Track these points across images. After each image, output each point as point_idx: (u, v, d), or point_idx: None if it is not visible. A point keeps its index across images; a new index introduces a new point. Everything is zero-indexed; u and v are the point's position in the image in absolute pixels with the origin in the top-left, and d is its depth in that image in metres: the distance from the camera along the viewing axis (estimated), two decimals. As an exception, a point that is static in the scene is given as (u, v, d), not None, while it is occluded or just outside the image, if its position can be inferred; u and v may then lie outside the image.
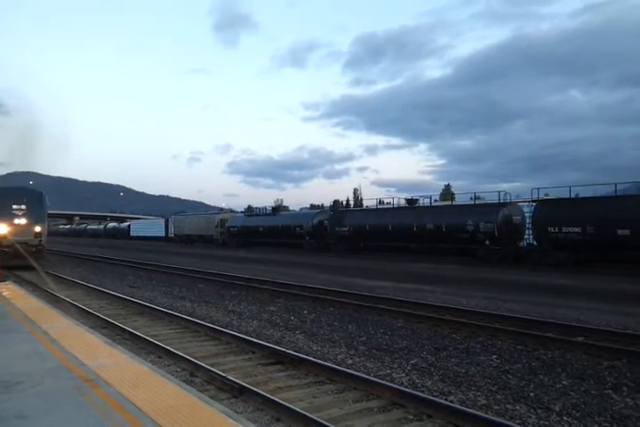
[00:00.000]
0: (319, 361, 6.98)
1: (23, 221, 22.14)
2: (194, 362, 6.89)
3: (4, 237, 21.41)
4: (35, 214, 22.71)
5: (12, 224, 21.84)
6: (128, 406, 4.25)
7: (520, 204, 27.33)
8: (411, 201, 32.73)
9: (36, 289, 15.57)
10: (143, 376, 5.21)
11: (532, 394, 5.93)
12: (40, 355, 6.05)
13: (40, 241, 22.41)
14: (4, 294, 11.95)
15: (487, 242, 25.72)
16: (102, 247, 49.70)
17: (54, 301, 12.99)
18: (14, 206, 22.20)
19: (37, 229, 22.41)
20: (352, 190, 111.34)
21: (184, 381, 5.90)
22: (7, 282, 14.54)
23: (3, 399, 4.43)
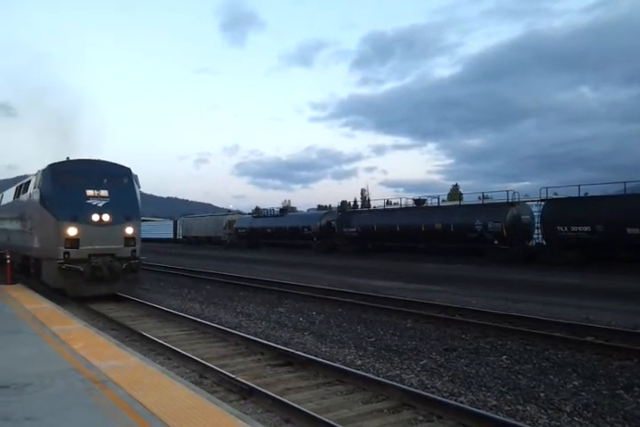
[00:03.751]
0: (328, 362, 6.96)
1: (106, 216, 13.19)
2: (203, 363, 6.89)
3: (74, 242, 12.83)
4: (124, 206, 13.72)
5: (87, 223, 12.96)
6: (138, 407, 4.26)
7: (529, 203, 27.19)
8: (418, 201, 32.67)
9: (45, 291, 15.66)
10: (153, 378, 5.22)
11: (542, 395, 5.88)
12: (49, 357, 6.08)
13: (134, 251, 13.67)
14: (14, 295, 12.03)
15: (496, 242, 25.60)
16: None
17: (62, 302, 13.06)
18: (89, 193, 13.30)
19: (129, 230, 13.60)
20: (360, 191, 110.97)
21: (193, 382, 5.91)
22: (17, 284, 14.64)
23: (13, 401, 4.46)
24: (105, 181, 13.82)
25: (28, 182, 15.34)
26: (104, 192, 13.45)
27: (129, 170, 14.69)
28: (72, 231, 12.75)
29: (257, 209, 53.51)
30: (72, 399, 4.48)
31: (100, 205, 13.25)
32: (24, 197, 15.56)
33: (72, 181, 13.44)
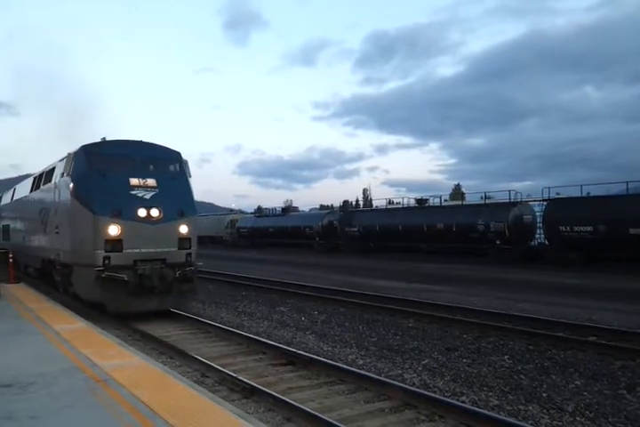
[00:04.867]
0: (330, 362, 6.97)
1: (155, 212, 10.49)
2: (205, 363, 6.91)
3: (116, 244, 10.14)
4: (176, 198, 11.10)
5: (131, 219, 10.25)
6: (140, 406, 4.27)
7: (531, 203, 27.15)
8: (420, 201, 32.63)
9: (48, 291, 15.69)
10: (155, 377, 5.23)
11: (544, 394, 5.88)
12: (52, 356, 6.10)
13: (189, 256, 11.02)
14: (17, 295, 12.07)
15: (498, 241, 25.56)
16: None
17: (65, 302, 13.08)
18: (133, 181, 10.61)
19: (183, 229, 10.91)
20: (362, 190, 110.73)
21: (195, 381, 5.93)
22: (20, 283, 14.68)
23: (16, 400, 4.47)
24: (151, 167, 11.29)
25: (52, 170, 12.63)
26: (151, 181, 10.80)
27: (179, 154, 11.96)
28: (113, 230, 10.07)
29: (259, 209, 53.45)
30: (75, 398, 4.50)
31: (148, 197, 10.60)
32: (47, 187, 12.85)
33: (112, 167, 10.71)
